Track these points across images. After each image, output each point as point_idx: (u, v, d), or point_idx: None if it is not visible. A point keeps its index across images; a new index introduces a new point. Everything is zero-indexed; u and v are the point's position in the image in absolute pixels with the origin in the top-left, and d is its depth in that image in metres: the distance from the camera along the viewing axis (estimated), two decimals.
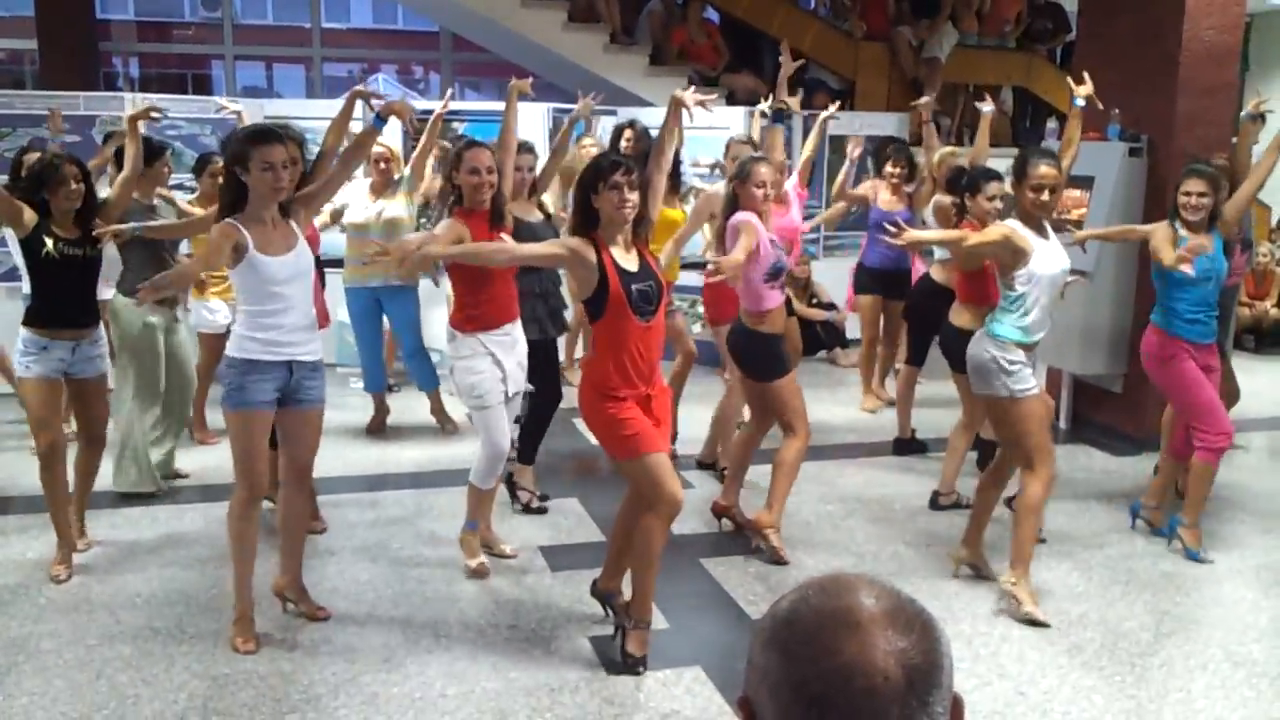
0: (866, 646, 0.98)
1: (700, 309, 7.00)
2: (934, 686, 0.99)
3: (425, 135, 5.78)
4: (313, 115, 6.95)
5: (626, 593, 3.75)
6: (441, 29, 12.10)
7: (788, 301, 4.82)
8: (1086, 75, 4.79)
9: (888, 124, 8.61)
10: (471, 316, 4.24)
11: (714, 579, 4.37)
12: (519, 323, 4.40)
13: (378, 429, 6.35)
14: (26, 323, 4.25)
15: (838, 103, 6.24)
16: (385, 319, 6.25)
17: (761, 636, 1.04)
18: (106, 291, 4.89)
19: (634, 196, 3.50)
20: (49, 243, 4.18)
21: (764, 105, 6.15)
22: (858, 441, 6.32)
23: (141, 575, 4.33)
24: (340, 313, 6.58)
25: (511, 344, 4.33)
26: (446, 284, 5.04)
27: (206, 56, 15.31)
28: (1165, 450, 5.09)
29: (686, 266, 6.19)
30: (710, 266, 4.02)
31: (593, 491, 5.32)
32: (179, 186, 6.16)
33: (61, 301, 4.25)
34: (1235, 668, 3.71)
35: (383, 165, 5.95)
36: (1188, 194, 4.50)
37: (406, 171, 6.01)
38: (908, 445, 6.08)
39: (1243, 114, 5.29)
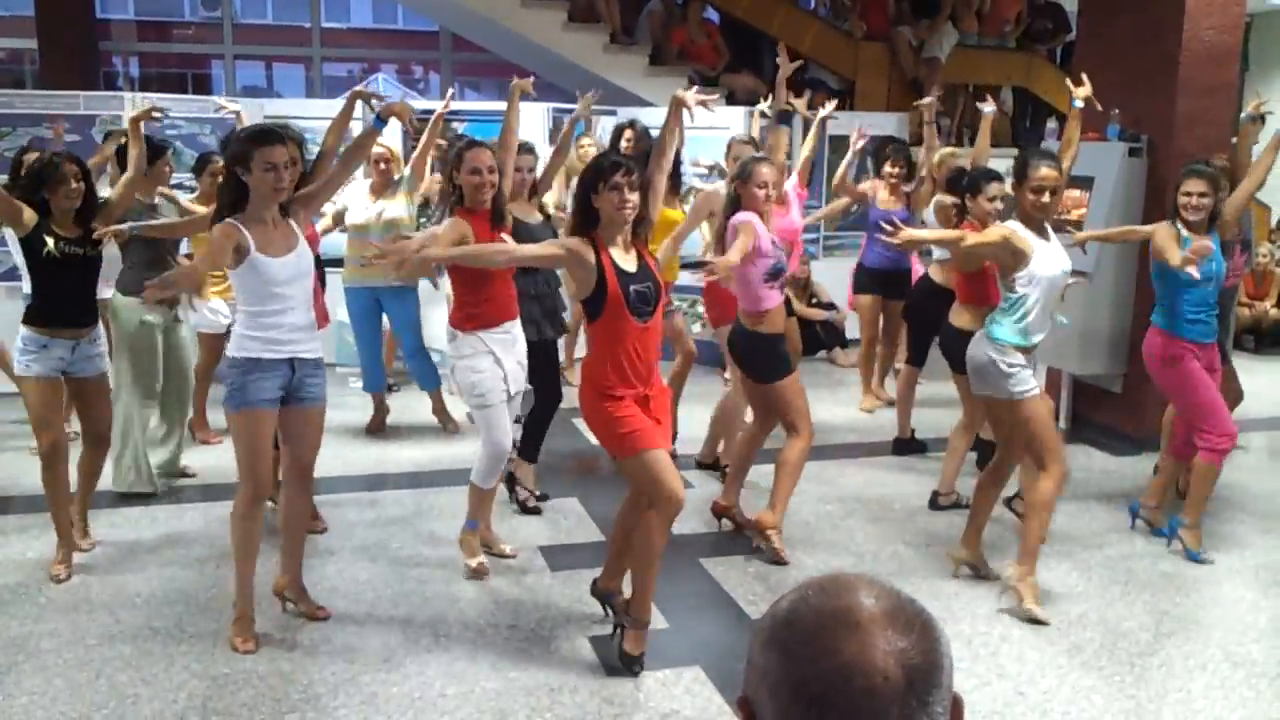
0: (866, 646, 0.98)
1: (700, 309, 7.01)
2: (934, 686, 0.99)
3: (425, 135, 5.78)
4: (312, 115, 6.96)
5: (627, 592, 3.75)
6: (441, 29, 12.10)
7: (787, 301, 4.81)
8: (1085, 77, 4.78)
9: (887, 124, 8.59)
10: (472, 315, 4.24)
11: (714, 579, 4.37)
12: (519, 321, 4.40)
13: (377, 429, 6.36)
14: (26, 321, 4.25)
15: (834, 101, 6.21)
16: (385, 319, 6.27)
17: (761, 636, 1.04)
18: (106, 291, 4.89)
19: (634, 197, 3.50)
20: (49, 242, 4.18)
21: (764, 105, 6.15)
22: (858, 441, 6.33)
23: (141, 575, 4.33)
24: (340, 313, 6.58)
25: (512, 342, 4.33)
26: (446, 284, 5.04)
27: (206, 56, 15.31)
28: (1165, 450, 5.09)
29: (686, 266, 6.19)
30: (706, 267, 4.02)
31: (593, 491, 5.32)
32: (179, 186, 6.16)
33: (62, 301, 4.25)
34: (1235, 668, 3.72)
35: (383, 166, 5.95)
36: (1188, 194, 4.49)
37: (406, 172, 6.01)
38: (907, 445, 6.08)
39: (1243, 115, 5.28)
